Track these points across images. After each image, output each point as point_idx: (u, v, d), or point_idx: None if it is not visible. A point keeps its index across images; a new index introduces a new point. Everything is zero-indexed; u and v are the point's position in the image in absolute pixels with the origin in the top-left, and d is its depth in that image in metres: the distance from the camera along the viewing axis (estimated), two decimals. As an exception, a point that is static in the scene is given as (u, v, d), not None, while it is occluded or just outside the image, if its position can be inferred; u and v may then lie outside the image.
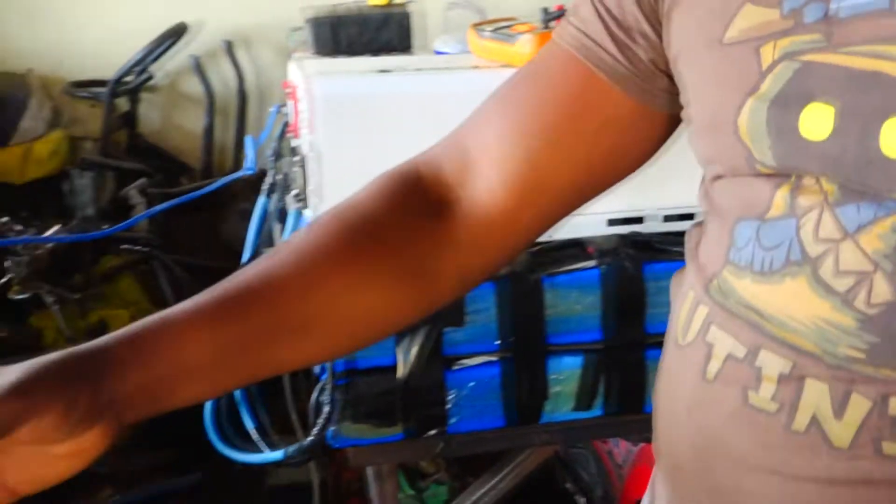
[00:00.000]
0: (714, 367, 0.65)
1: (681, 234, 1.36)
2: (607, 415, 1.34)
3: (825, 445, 0.60)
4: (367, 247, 0.72)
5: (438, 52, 1.96)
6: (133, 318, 2.07)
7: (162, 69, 2.72)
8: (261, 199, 1.41)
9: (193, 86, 2.72)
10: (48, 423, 0.56)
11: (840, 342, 0.59)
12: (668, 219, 1.40)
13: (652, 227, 1.39)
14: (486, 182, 0.74)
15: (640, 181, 1.36)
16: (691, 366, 0.67)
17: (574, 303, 1.30)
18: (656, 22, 0.71)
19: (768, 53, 0.62)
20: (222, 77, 2.73)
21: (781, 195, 0.62)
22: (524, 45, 1.29)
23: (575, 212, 1.27)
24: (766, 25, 0.62)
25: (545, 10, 1.32)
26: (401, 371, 1.26)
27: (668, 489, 0.72)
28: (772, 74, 0.61)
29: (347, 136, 1.26)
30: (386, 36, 2.16)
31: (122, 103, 2.68)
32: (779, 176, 0.62)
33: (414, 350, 1.26)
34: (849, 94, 0.58)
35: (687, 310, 0.68)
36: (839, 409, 0.60)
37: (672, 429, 0.71)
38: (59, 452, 0.59)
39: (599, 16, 0.73)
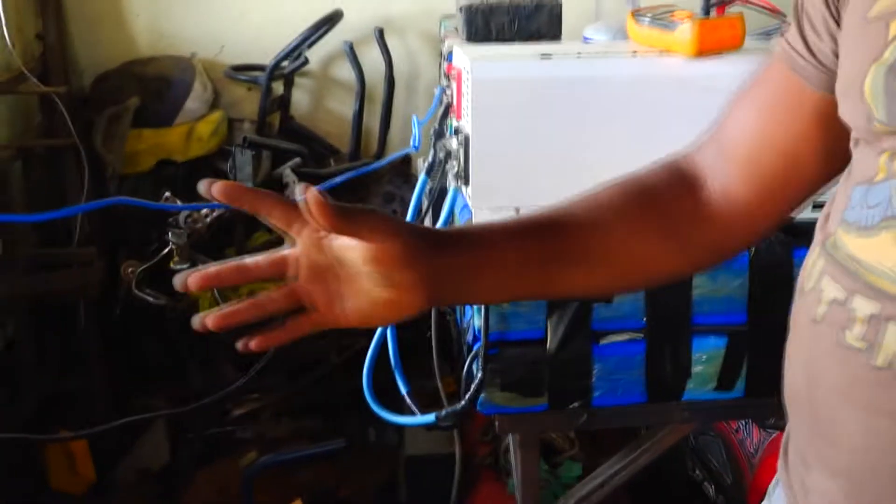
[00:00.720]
0: (821, 310, 0.74)
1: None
2: (748, 396, 1.37)
3: None
4: (645, 208, 0.89)
5: (588, 41, 2.01)
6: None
7: (316, 55, 2.85)
8: (421, 177, 1.49)
9: (344, 72, 2.83)
10: (398, 254, 0.76)
11: None
12: (816, 207, 1.41)
13: (803, 214, 1.41)
14: (733, 178, 0.88)
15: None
16: (807, 310, 0.76)
17: (722, 285, 1.33)
18: (838, 16, 0.79)
19: (895, 27, 0.70)
20: (372, 63, 2.83)
21: (883, 161, 0.71)
22: (684, 33, 1.33)
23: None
24: None
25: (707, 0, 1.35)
26: (550, 343, 1.33)
27: (790, 421, 0.82)
28: (893, 44, 0.70)
29: (507, 119, 1.32)
30: (536, 24, 2.22)
31: (278, 87, 2.82)
32: (889, 140, 0.70)
33: (564, 324, 1.32)
34: None
35: (811, 263, 0.78)
36: None
37: (791, 366, 0.80)
38: (382, 297, 0.77)
39: (797, 20, 0.83)
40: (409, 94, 2.88)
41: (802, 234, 1.36)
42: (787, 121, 0.86)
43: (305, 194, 0.73)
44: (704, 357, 1.35)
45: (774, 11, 1.37)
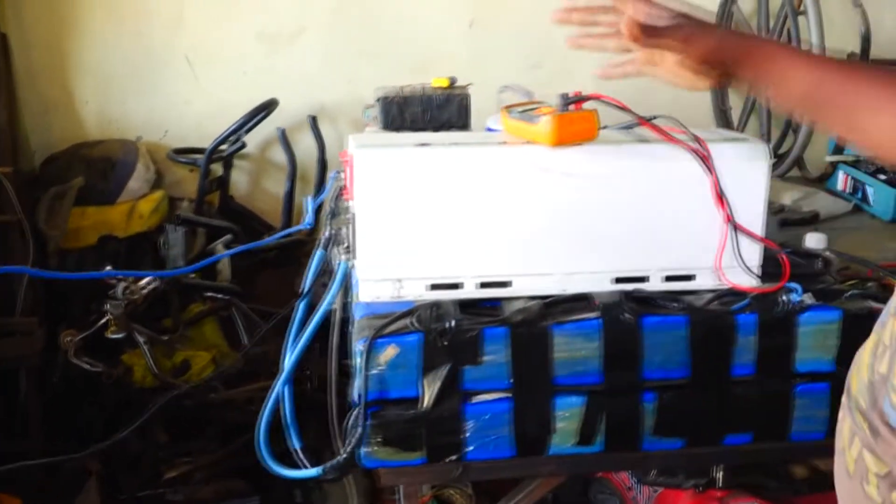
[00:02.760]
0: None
1: (678, 293, 1.51)
2: (606, 451, 1.48)
3: (845, 470, 0.79)
4: None
5: (489, 129, 2.15)
6: (214, 360, 2.37)
7: (255, 139, 2.97)
8: (317, 252, 1.60)
9: (281, 154, 2.96)
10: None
11: (862, 393, 0.77)
12: (668, 279, 1.54)
13: (654, 285, 1.53)
14: None
15: (645, 245, 1.52)
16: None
17: (578, 349, 1.44)
18: None
19: None
20: (307, 147, 2.97)
21: None
22: (544, 125, 1.46)
23: (586, 269, 1.44)
24: None
25: (564, 96, 1.49)
26: (424, 402, 1.42)
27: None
28: None
29: (388, 201, 1.44)
30: (447, 114, 2.37)
31: (218, 168, 2.94)
32: None
33: (436, 384, 1.42)
34: None
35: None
36: (849, 444, 0.78)
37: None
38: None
39: None
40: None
41: (650, 304, 1.48)
42: None
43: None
44: (566, 414, 1.45)
45: (624, 108, 1.51)
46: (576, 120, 1.47)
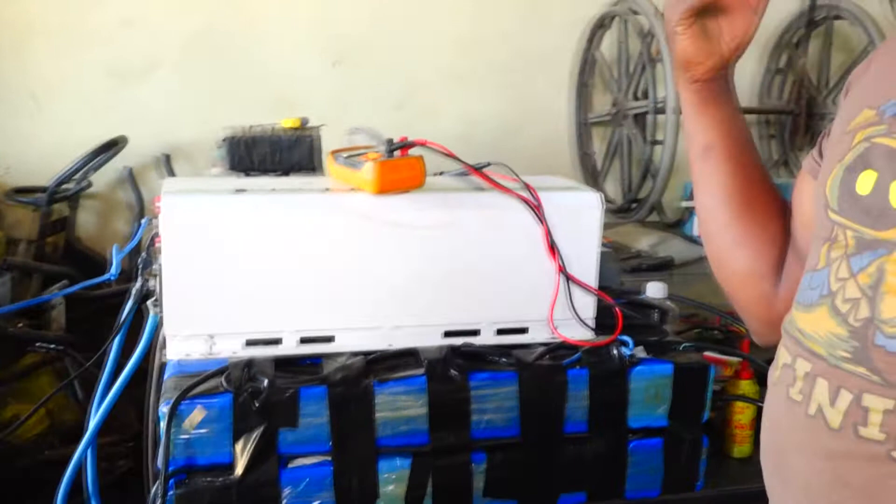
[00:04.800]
0: (777, 373, 0.89)
1: (509, 347, 1.43)
2: (435, 514, 1.38)
3: (826, 427, 0.81)
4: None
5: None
6: (48, 414, 2.16)
7: (104, 177, 2.82)
8: (127, 304, 1.47)
9: (131, 194, 2.81)
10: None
11: (838, 347, 0.81)
12: (500, 332, 1.47)
13: (486, 339, 1.46)
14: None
15: (476, 298, 1.44)
16: (772, 376, 0.92)
17: (402, 407, 1.35)
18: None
19: (859, 137, 0.88)
20: (158, 188, 2.82)
21: (824, 252, 0.87)
22: (367, 172, 1.38)
23: (414, 323, 1.35)
24: (866, 120, 0.88)
25: (390, 141, 1.41)
26: (237, 469, 1.31)
27: (764, 474, 0.94)
28: (853, 150, 0.87)
29: (199, 251, 1.33)
30: (296, 156, 2.27)
31: (63, 208, 2.77)
32: (829, 229, 0.87)
33: (250, 449, 1.31)
34: (886, 164, 0.82)
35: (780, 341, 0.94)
36: (833, 399, 0.81)
37: (763, 424, 0.94)
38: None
39: (820, 139, 1.01)
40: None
41: (479, 359, 1.41)
42: (802, 210, 1.05)
43: None
44: (392, 477, 1.36)
45: (450, 155, 1.44)
46: (400, 167, 1.39)
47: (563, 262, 1.45)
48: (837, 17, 3.03)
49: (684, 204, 2.71)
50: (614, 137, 3.03)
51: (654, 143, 2.72)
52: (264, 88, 2.91)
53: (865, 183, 0.83)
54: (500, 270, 1.45)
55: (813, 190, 0.98)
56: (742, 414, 1.56)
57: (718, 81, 1.07)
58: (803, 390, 0.84)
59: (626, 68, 2.95)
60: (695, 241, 2.69)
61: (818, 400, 0.83)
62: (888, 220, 0.80)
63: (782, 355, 0.90)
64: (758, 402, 1.57)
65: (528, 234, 1.44)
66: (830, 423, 0.81)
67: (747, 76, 3.26)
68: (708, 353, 1.54)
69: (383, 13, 2.99)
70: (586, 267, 1.47)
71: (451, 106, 3.09)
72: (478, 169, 1.48)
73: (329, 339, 1.41)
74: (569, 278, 1.46)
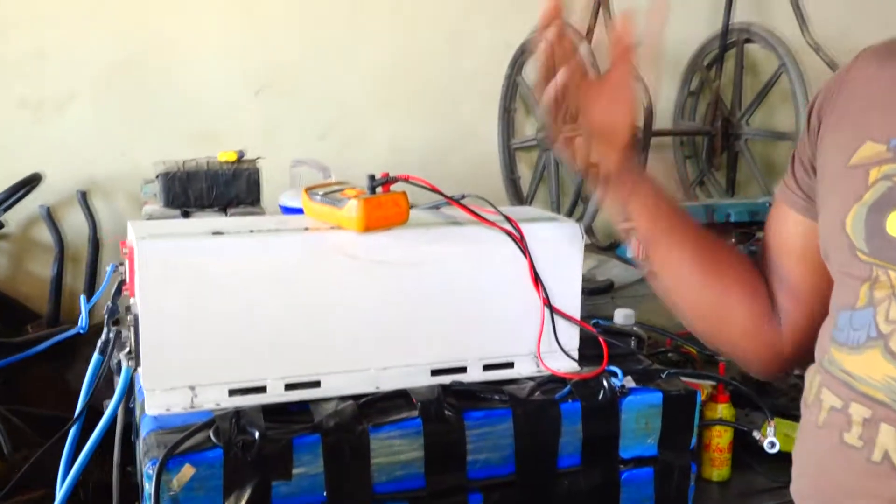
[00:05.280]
0: (823, 416, 0.88)
1: (498, 382, 1.41)
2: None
3: (894, 472, 0.80)
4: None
5: (283, 207, 2.01)
6: None
7: (17, 217, 2.66)
8: (95, 357, 1.39)
9: (47, 234, 2.67)
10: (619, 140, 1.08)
11: None
12: (487, 368, 1.44)
13: (473, 376, 1.44)
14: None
15: (463, 334, 1.42)
16: (811, 418, 0.90)
17: (399, 452, 1.31)
18: (814, 165, 1.00)
19: (874, 174, 0.87)
20: (77, 225, 2.69)
21: (864, 291, 0.86)
22: (351, 210, 1.34)
23: (401, 363, 1.31)
24: (877, 155, 0.87)
25: (372, 178, 1.38)
26: (227, 525, 1.24)
27: None
28: (872, 189, 0.86)
29: (178, 297, 1.26)
30: (235, 191, 2.21)
31: (-27, 251, 2.61)
32: (866, 269, 0.86)
33: (242, 503, 1.24)
34: None
35: (810, 380, 0.93)
36: None
37: (799, 467, 0.93)
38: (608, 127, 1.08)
39: (792, 164, 1.04)
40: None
41: (472, 397, 1.38)
42: (780, 240, 1.07)
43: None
44: (390, 524, 1.32)
45: (434, 189, 1.42)
46: (385, 203, 1.36)
47: (547, 295, 1.44)
48: (748, 41, 3.14)
49: (622, 226, 2.74)
50: (541, 162, 3.05)
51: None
52: (185, 119, 2.82)
53: None
54: (485, 305, 1.43)
55: (819, 227, 0.97)
56: (721, 437, 1.58)
57: (625, 176, 1.10)
58: (863, 436, 0.83)
59: (551, 93, 2.99)
60: (631, 263, 2.72)
61: (885, 446, 0.82)
62: None
63: (828, 398, 0.88)
64: (735, 425, 1.58)
65: (513, 267, 1.42)
66: None
67: (662, 99, 3.33)
68: (684, 379, 1.55)
69: (307, 40, 2.94)
70: (570, 298, 1.47)
71: (378, 132, 3.06)
72: (456, 201, 1.45)
73: (315, 384, 1.36)
74: (553, 310, 1.44)
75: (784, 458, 1.53)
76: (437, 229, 1.41)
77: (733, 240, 2.55)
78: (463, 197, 1.47)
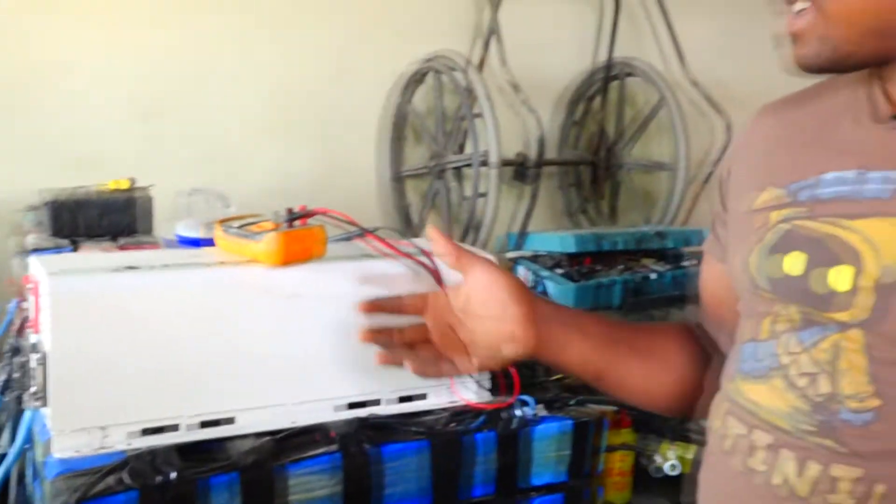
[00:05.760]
0: (728, 442, 0.92)
1: (415, 414, 1.43)
2: None
3: (793, 496, 0.85)
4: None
5: (180, 237, 1.97)
6: None
7: None
8: (-7, 397, 1.33)
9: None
10: (509, 289, 1.06)
11: (802, 421, 0.86)
12: (402, 399, 1.46)
13: (388, 408, 1.45)
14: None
15: (378, 367, 1.43)
16: (717, 443, 0.95)
17: (317, 488, 1.31)
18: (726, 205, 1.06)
19: (774, 217, 0.93)
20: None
21: (767, 325, 0.91)
22: (268, 244, 1.33)
23: (318, 397, 1.32)
24: (776, 199, 0.93)
25: (289, 210, 1.38)
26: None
27: None
28: (772, 231, 0.92)
29: (91, 334, 1.23)
30: (127, 220, 2.15)
31: None
32: (768, 305, 0.92)
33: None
34: (814, 247, 0.87)
35: (716, 407, 0.97)
36: (800, 470, 0.85)
37: (705, 491, 0.97)
38: (503, 331, 1.06)
39: (713, 220, 1.09)
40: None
41: (389, 430, 1.39)
42: (713, 289, 1.11)
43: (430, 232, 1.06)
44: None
45: (352, 223, 1.43)
46: (303, 237, 1.36)
47: (460, 326, 1.47)
48: (630, 74, 3.28)
49: (510, 255, 2.81)
50: (432, 190, 3.09)
51: (479, 195, 2.81)
52: (65, 147, 2.72)
53: (794, 264, 0.89)
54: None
55: (726, 271, 1.04)
56: (623, 462, 1.64)
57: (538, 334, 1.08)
58: (766, 460, 0.88)
59: (441, 123, 3.03)
60: (523, 289, 2.79)
61: (784, 471, 0.87)
62: (833, 303, 0.85)
63: (734, 425, 0.93)
64: (635, 447, 1.65)
65: (427, 300, 1.45)
66: (798, 491, 0.85)
67: (545, 129, 3.44)
68: (590, 405, 1.61)
69: (194, 67, 2.89)
70: (482, 329, 1.50)
71: (263, 160, 3.04)
72: (371, 233, 1.47)
73: (230, 421, 1.35)
74: (466, 341, 1.47)
75: (678, 480, 1.61)
76: (353, 262, 1.42)
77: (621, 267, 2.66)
78: (377, 229, 1.49)
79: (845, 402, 0.84)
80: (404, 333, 1.16)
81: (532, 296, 1.09)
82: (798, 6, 0.90)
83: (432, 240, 1.08)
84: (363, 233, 1.47)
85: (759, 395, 0.91)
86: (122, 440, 1.28)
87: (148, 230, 2.15)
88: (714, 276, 1.12)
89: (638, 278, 2.61)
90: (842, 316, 0.85)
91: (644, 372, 1.13)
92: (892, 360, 0.82)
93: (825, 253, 0.87)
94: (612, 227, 3.21)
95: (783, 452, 0.87)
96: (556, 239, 2.79)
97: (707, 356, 1.15)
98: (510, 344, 1.07)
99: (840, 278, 0.84)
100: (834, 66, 0.91)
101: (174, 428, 1.31)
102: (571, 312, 1.14)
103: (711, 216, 1.12)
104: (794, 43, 0.92)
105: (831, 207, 0.88)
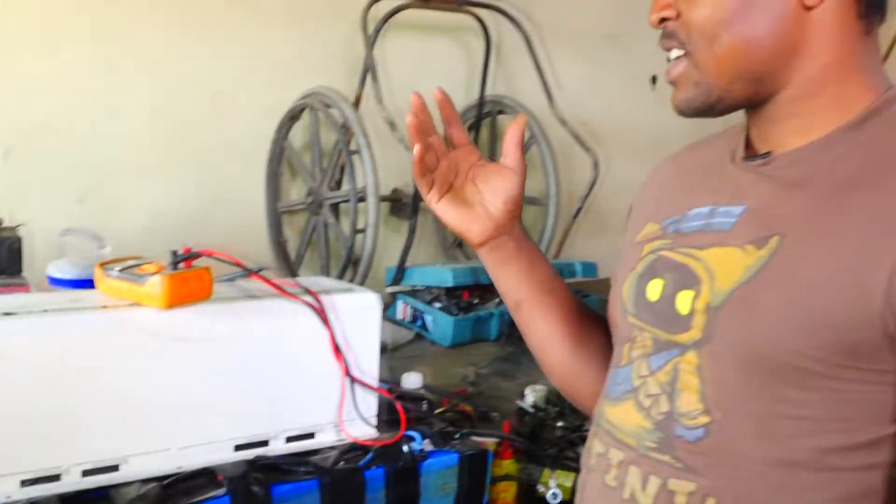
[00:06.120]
0: (592, 461, 0.99)
1: (304, 453, 1.44)
2: None
3: None
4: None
5: (52, 278, 1.92)
6: None
7: None
8: None
9: None
10: (512, 208, 1.07)
11: (645, 438, 0.92)
12: (290, 440, 1.47)
13: (276, 448, 1.45)
14: None
15: (264, 406, 1.43)
16: (586, 463, 1.01)
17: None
18: None
19: (647, 248, 1.01)
20: None
21: (626, 350, 0.99)
22: (154, 287, 1.32)
23: (204, 440, 1.31)
24: (653, 233, 1.02)
25: (174, 253, 1.37)
26: None
27: None
28: (643, 260, 1.00)
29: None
30: (-6, 260, 2.08)
31: None
32: (629, 330, 0.99)
33: None
34: (671, 274, 0.95)
35: (590, 430, 1.03)
36: (643, 485, 0.92)
37: (580, 502, 1.03)
38: (479, 207, 1.07)
39: (620, 253, 1.11)
40: None
41: (278, 471, 1.40)
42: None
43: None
44: None
45: (238, 265, 1.43)
46: (189, 279, 1.36)
47: (347, 364, 1.49)
48: (501, 112, 3.38)
49: (389, 289, 2.84)
50: (310, 225, 3.10)
51: (358, 231, 2.83)
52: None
53: (654, 290, 0.97)
54: (288, 377, 1.45)
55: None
56: (507, 492, 1.69)
57: (504, 238, 1.09)
58: (618, 477, 0.95)
59: (318, 158, 3.05)
60: (402, 325, 2.83)
61: (631, 486, 0.94)
62: (677, 325, 0.93)
63: (596, 445, 1.00)
64: (518, 478, 1.70)
65: (314, 339, 1.46)
66: None
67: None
68: (474, 437, 1.65)
69: (61, 100, 2.83)
70: (369, 366, 1.52)
71: (139, 196, 2.99)
72: (257, 273, 1.48)
73: (114, 468, 1.32)
74: (353, 380, 1.50)
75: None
76: (241, 304, 1.43)
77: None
78: (261, 269, 1.50)
79: (680, 419, 0.91)
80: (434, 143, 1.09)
81: (517, 216, 1.10)
82: (674, 54, 0.97)
83: (510, 129, 1.07)
84: (248, 273, 1.48)
85: (616, 416, 0.98)
86: (2, 492, 1.24)
87: (17, 271, 2.09)
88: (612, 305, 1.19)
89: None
90: (682, 338, 0.93)
91: (556, 328, 1.14)
92: (719, 379, 0.89)
93: (677, 279, 0.95)
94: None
95: (631, 469, 0.94)
96: (434, 273, 2.84)
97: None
98: (483, 219, 1.07)
99: (683, 302, 0.92)
100: (709, 109, 0.97)
101: (56, 478, 1.28)
102: (534, 248, 1.13)
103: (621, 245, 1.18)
104: (674, 89, 0.98)
105: (689, 239, 0.97)
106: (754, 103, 0.97)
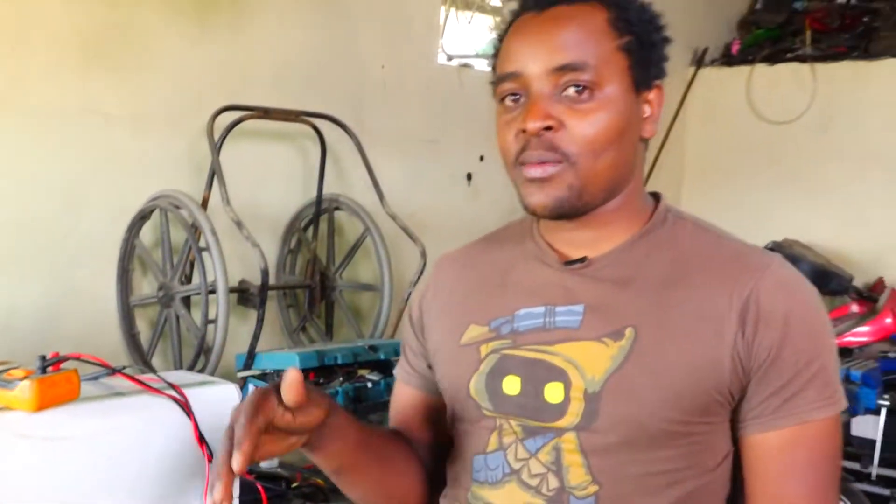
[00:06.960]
0: None
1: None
2: None
3: None
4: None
5: None
6: None
7: None
8: None
9: None
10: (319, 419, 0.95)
11: None
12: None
13: None
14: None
15: (135, 501, 1.39)
16: None
17: None
18: (423, 341, 1.15)
19: (484, 350, 1.03)
20: None
21: (493, 438, 1.01)
22: (24, 391, 1.28)
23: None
24: (482, 335, 1.04)
25: (42, 358, 1.33)
26: None
27: None
28: (486, 360, 1.02)
29: None
30: None
31: None
32: (491, 422, 1.01)
33: None
34: (527, 370, 0.99)
35: None
36: None
37: None
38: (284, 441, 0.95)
39: (404, 351, 1.19)
40: None
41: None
42: (405, 410, 1.17)
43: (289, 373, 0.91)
44: None
45: (105, 365, 1.41)
46: (58, 382, 1.32)
47: (210, 452, 1.47)
48: (338, 209, 3.44)
49: (241, 374, 2.80)
50: (162, 317, 3.02)
51: (209, 322, 2.79)
52: None
53: (511, 385, 1.00)
54: (156, 469, 1.42)
55: (445, 396, 1.10)
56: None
57: (324, 430, 0.98)
58: None
59: (169, 255, 3.00)
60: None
61: None
62: (548, 413, 0.98)
63: None
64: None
65: (179, 431, 1.44)
66: None
67: (267, 255, 3.50)
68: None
69: None
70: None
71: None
72: (121, 371, 1.45)
73: (-15, 571, 1.25)
74: (216, 465, 1.48)
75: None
76: (107, 401, 1.40)
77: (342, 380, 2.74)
78: (125, 367, 1.48)
79: (573, 492, 0.96)
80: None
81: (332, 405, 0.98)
82: (548, 156, 0.95)
83: (287, 380, 0.92)
84: (112, 372, 1.46)
85: (498, 498, 1.00)
86: None
87: None
88: (404, 398, 1.18)
89: (357, 387, 2.71)
90: (559, 423, 0.97)
91: (380, 476, 1.10)
92: (602, 452, 0.96)
93: (536, 373, 0.99)
94: (329, 343, 3.30)
95: None
96: (281, 357, 2.83)
97: (420, 461, 1.15)
98: (300, 436, 0.96)
99: (553, 393, 0.97)
100: (571, 211, 0.98)
101: (-76, 584, 1.20)
102: (343, 414, 1.02)
103: (403, 350, 1.18)
104: (540, 186, 0.97)
105: (530, 337, 1.01)
106: (591, 210, 1.00)
